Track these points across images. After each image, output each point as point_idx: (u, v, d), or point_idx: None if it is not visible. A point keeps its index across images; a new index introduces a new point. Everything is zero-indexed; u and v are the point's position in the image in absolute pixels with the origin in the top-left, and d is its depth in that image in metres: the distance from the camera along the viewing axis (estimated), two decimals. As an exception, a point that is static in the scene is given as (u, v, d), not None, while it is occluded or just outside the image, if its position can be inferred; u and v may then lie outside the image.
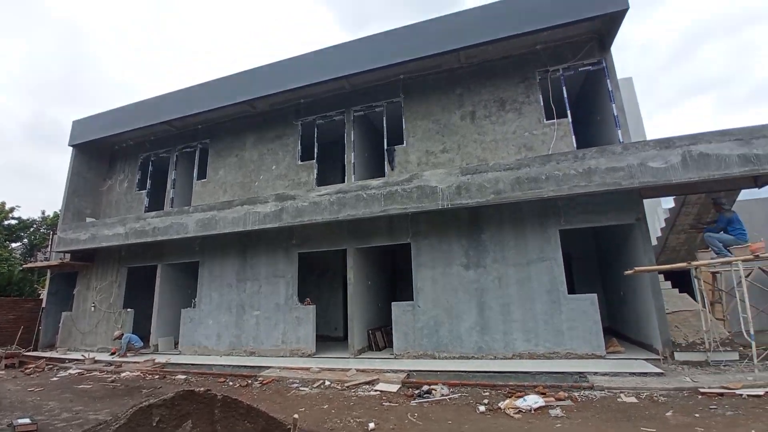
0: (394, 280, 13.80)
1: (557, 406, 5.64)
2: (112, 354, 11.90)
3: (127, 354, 11.62)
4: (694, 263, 7.43)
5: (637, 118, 16.41)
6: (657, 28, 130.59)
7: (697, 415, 5.01)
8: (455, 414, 5.72)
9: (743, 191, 9.45)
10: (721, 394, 5.69)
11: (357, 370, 8.43)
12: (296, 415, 3.04)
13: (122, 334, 12.02)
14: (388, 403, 6.41)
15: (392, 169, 11.03)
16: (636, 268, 7.42)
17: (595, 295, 8.46)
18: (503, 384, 6.87)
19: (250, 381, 8.43)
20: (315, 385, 7.74)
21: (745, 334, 6.79)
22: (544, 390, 6.35)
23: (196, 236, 11.65)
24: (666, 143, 7.89)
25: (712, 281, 10.48)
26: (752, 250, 7.13)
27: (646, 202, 10.04)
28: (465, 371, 7.77)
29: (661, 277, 10.34)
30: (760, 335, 9.83)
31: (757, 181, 8.22)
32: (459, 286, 9.31)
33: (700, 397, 5.74)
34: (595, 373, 7.03)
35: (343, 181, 11.51)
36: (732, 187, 8.56)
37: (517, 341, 8.63)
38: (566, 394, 6.12)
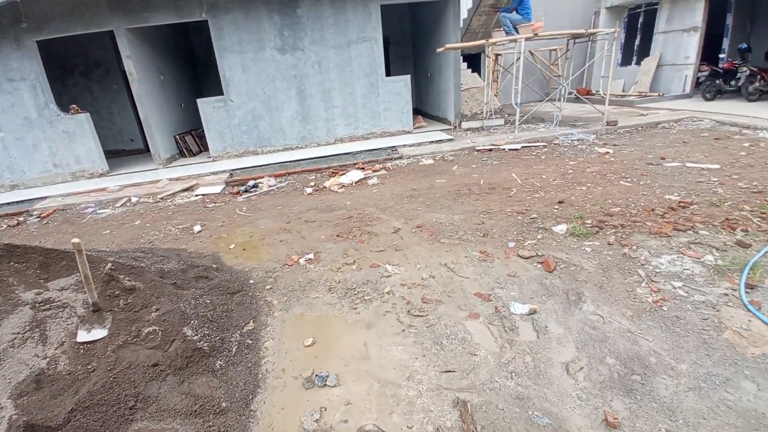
0: (196, 72, 11.39)
1: (374, 176, 6.35)
2: None
3: None
4: (490, 41, 8.14)
5: None
6: None
7: (474, 165, 6.41)
8: (284, 200, 5.85)
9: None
10: (491, 150, 7.32)
11: (170, 180, 7.47)
12: (76, 240, 2.33)
13: None
14: (213, 205, 6.06)
15: None
16: (447, 46, 7.74)
17: (408, 77, 8.83)
18: (327, 167, 7.22)
19: (21, 219, 6.57)
20: (118, 205, 6.60)
21: (513, 103, 8.43)
22: (363, 165, 6.97)
23: None
24: None
25: (494, 62, 12.23)
26: (533, 29, 8.08)
27: None
28: (290, 161, 7.78)
29: (460, 58, 11.40)
30: (523, 106, 12.68)
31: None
32: (276, 73, 8.26)
33: (476, 153, 7.27)
34: (404, 146, 8.01)
35: None
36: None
37: (339, 127, 8.84)
38: (381, 166, 6.89)
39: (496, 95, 12.05)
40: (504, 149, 7.18)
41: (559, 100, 9.01)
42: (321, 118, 8.72)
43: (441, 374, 2.23)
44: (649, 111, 9.39)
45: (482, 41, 8.15)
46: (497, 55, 12.12)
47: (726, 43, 10.58)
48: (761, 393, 1.87)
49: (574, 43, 9.21)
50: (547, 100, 9.30)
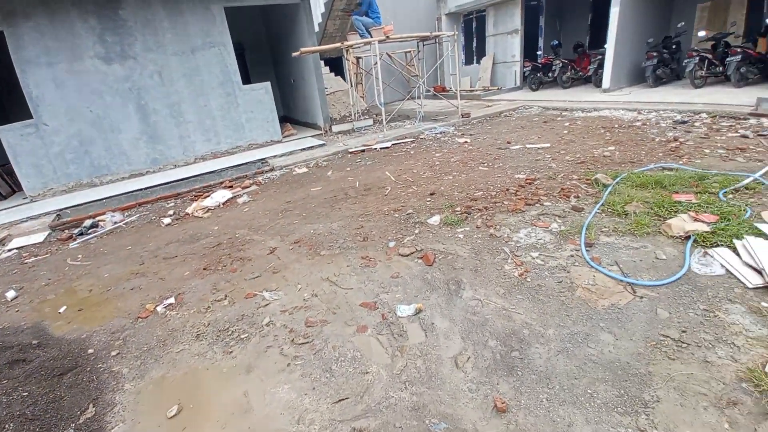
0: (-10, 93, 8.95)
1: (244, 193, 5.79)
2: None
3: None
4: (346, 43, 8.20)
5: None
6: None
7: (348, 168, 6.34)
8: (136, 236, 4.91)
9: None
10: (363, 150, 7.37)
11: (-37, 233, 5.64)
12: None
13: None
14: (34, 259, 4.74)
15: None
16: (302, 49, 7.51)
17: (268, 83, 8.35)
18: (188, 190, 6.35)
19: None
20: None
21: (378, 103, 8.66)
22: (231, 183, 6.32)
23: None
24: None
25: (356, 65, 12.51)
26: (385, 32, 8.41)
27: None
28: (140, 189, 6.62)
29: (322, 62, 11.33)
30: (388, 105, 13.20)
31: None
32: (104, 87, 6.94)
33: (350, 155, 7.25)
34: (275, 156, 7.55)
35: None
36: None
37: (197, 144, 7.89)
38: (251, 181, 6.34)
39: (362, 97, 12.34)
40: (376, 149, 7.31)
41: (419, 97, 9.62)
42: (173, 135, 7.66)
43: (333, 405, 2.01)
44: (492, 102, 10.70)
45: (338, 44, 8.16)
46: (358, 58, 12.41)
47: (541, 42, 12.71)
48: (619, 342, 2.12)
49: (423, 45, 9.92)
50: (407, 98, 9.84)
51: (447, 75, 14.81)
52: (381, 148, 7.28)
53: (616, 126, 6.49)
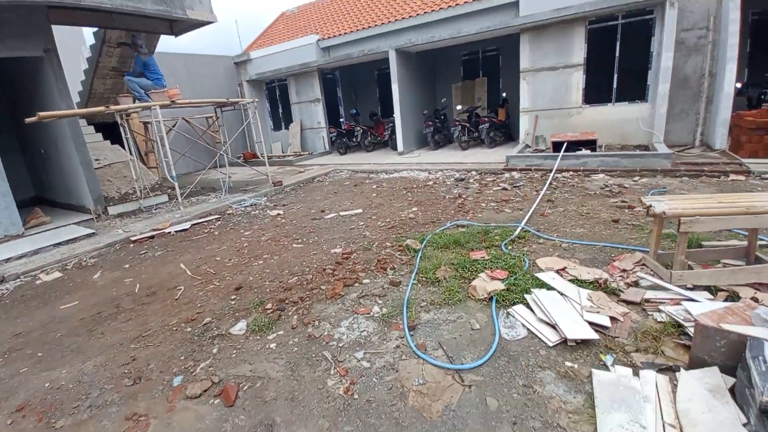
0: None
1: (-76, 336, 3.60)
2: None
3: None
4: (114, 108, 6.76)
5: None
6: None
7: (126, 266, 4.85)
8: None
9: (165, 43, 9.54)
10: (152, 237, 5.93)
11: None
12: None
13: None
14: None
15: None
16: (40, 114, 5.69)
17: (-7, 158, 6.02)
18: None
19: None
20: None
21: (168, 176, 7.33)
22: None
23: None
24: None
25: (145, 131, 10.71)
26: (170, 95, 7.36)
27: (67, 37, 7.85)
28: None
29: (92, 128, 9.20)
30: (187, 177, 11.60)
31: (172, 29, 8.34)
32: None
33: (132, 246, 5.69)
34: (8, 260, 5.28)
35: None
36: (150, 29, 8.21)
37: None
38: (-54, 310, 4.08)
39: (154, 168, 10.53)
40: (170, 233, 5.98)
41: (223, 166, 8.72)
42: None
43: None
44: (305, 168, 10.71)
45: (101, 108, 6.62)
46: (146, 123, 10.66)
47: (342, 110, 13.80)
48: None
49: (222, 110, 9.23)
50: (208, 168, 8.78)
51: (256, 138, 14.39)
52: (177, 232, 6.00)
53: (415, 186, 7.19)
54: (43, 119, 5.67)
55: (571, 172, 7.10)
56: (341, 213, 5.84)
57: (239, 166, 10.97)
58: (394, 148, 11.38)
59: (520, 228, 4.33)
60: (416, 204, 5.96)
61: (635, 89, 8.51)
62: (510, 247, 3.95)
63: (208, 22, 7.99)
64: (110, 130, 10.15)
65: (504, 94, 10.93)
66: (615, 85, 8.65)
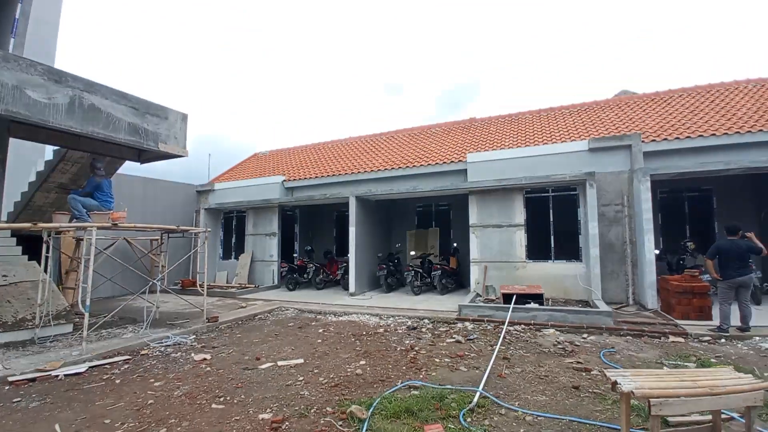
0: None
1: None
2: None
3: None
4: (42, 225, 6.18)
5: (50, 47, 13.15)
6: None
7: (-25, 425, 3.62)
8: None
9: (129, 163, 9.60)
10: (34, 380, 4.71)
11: None
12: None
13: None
14: None
15: None
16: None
17: None
18: None
19: None
20: None
21: (80, 305, 6.36)
22: None
23: None
24: (58, 76, 6.22)
25: (76, 248, 9.80)
26: (114, 218, 6.97)
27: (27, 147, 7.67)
28: None
29: (14, 240, 8.29)
30: (108, 302, 10.27)
31: (140, 156, 8.47)
32: None
33: (8, 388, 4.44)
34: None
35: None
36: (116, 155, 8.27)
37: None
38: None
39: (73, 288, 9.28)
40: (58, 376, 4.80)
41: (154, 292, 7.81)
42: None
43: None
44: (248, 302, 9.92)
45: (26, 224, 6.02)
46: (79, 240, 9.81)
47: (297, 245, 13.77)
48: None
49: (168, 237, 8.80)
50: (137, 294, 7.80)
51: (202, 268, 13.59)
52: (67, 376, 4.83)
53: (364, 333, 6.68)
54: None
55: (523, 326, 7.03)
56: (279, 363, 5.08)
57: (174, 295, 9.95)
58: (346, 287, 11.09)
59: (479, 394, 3.88)
60: (365, 355, 5.38)
61: (570, 249, 9.37)
62: (469, 419, 3.43)
63: (179, 156, 8.23)
64: (34, 243, 9.17)
65: (455, 244, 11.59)
66: (553, 245, 9.49)
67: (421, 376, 4.53)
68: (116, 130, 7.03)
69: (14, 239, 8.32)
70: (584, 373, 4.60)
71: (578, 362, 5.00)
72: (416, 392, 4.03)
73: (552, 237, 9.57)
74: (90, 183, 7.41)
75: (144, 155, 8.40)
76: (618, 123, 11.53)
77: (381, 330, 6.91)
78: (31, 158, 10.41)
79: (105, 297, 11.22)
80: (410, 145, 14.78)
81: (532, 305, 7.58)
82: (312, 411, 3.62)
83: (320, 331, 6.89)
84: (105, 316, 7.35)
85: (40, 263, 7.28)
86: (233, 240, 14.07)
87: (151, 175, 13.98)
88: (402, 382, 4.32)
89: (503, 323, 6.83)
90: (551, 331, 6.65)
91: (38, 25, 10.17)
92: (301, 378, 4.49)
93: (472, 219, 10.12)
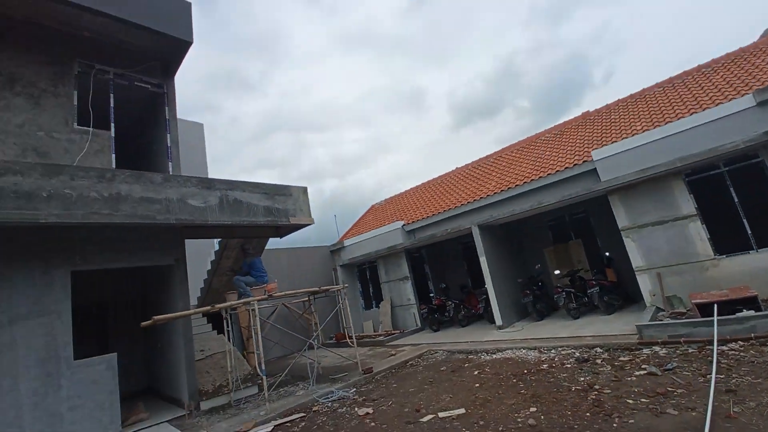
0: None
1: None
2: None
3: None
4: (218, 306, 7.39)
5: (201, 165, 16.84)
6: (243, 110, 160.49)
7: (197, 485, 4.21)
8: None
9: (271, 240, 11.15)
10: (235, 440, 5.39)
11: None
12: None
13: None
14: None
15: None
16: (155, 318, 6.32)
17: (114, 356, 6.54)
18: None
19: None
20: None
21: (257, 369, 7.22)
22: None
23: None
24: (208, 183, 7.72)
25: (250, 318, 11.50)
26: (268, 290, 8.02)
27: (202, 243, 9.54)
28: None
29: (205, 319, 10.09)
30: (280, 361, 11.57)
31: (279, 231, 9.77)
32: None
33: (215, 451, 5.16)
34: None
35: None
36: (261, 234, 9.70)
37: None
38: None
39: (251, 353, 10.73)
40: (251, 437, 5.40)
41: (311, 348, 8.49)
42: None
43: None
44: (396, 349, 9.99)
45: (206, 308, 7.29)
46: (252, 309, 11.53)
47: (431, 285, 13.66)
48: None
49: (314, 297, 9.63)
50: (300, 354, 8.57)
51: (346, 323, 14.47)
52: (258, 435, 5.40)
53: (526, 371, 5.94)
54: (157, 323, 6.28)
55: (740, 342, 5.37)
56: (440, 414, 4.78)
57: (331, 349, 10.69)
58: (491, 321, 10.33)
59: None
60: (534, 400, 4.70)
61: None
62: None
63: (307, 224, 9.19)
64: (219, 319, 11.08)
65: (607, 254, 9.92)
66: (749, 230, 7.34)
67: (615, 425, 3.68)
68: (255, 214, 8.20)
69: (205, 318, 10.18)
70: None
71: None
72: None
73: (745, 220, 7.42)
74: (244, 264, 8.74)
75: (281, 230, 9.62)
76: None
77: (545, 366, 6.07)
78: (206, 251, 12.95)
79: (277, 357, 12.69)
80: (522, 159, 13.77)
81: (746, 313, 5.78)
82: (491, 471, 3.20)
83: (476, 373, 6.40)
84: (280, 376, 8.22)
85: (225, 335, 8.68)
86: (371, 289, 14.73)
87: (292, 245, 15.97)
88: (591, 433, 3.57)
89: (710, 342, 5.32)
90: (790, 346, 4.89)
91: (188, 150, 12.95)
92: (466, 431, 4.11)
93: (621, 221, 8.58)
